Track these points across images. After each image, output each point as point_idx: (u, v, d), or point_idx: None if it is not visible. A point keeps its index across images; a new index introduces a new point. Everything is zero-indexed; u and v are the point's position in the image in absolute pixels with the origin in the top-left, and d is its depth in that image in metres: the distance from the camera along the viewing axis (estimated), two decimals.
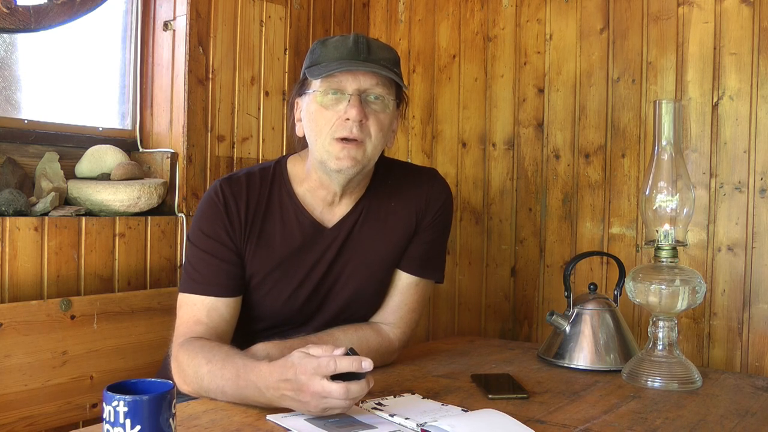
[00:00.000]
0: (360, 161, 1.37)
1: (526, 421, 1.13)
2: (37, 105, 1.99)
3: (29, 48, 1.97)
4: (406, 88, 1.46)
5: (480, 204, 2.44)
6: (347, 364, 1.08)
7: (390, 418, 1.15)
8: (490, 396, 1.31)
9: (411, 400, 1.26)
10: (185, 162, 2.11)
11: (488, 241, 2.43)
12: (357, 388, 1.09)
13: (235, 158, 2.25)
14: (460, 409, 1.22)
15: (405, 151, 2.62)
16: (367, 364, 1.09)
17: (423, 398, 1.28)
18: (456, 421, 1.11)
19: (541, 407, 1.27)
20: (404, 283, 1.54)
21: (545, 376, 1.50)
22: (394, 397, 1.28)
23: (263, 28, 2.32)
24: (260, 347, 1.36)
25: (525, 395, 1.32)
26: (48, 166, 1.92)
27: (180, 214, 2.09)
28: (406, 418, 1.14)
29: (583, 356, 1.57)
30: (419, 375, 1.49)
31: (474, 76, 2.46)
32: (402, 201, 1.52)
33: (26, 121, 1.94)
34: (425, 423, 1.12)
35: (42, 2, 1.83)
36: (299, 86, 1.45)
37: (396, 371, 1.50)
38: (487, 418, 1.14)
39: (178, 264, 2.08)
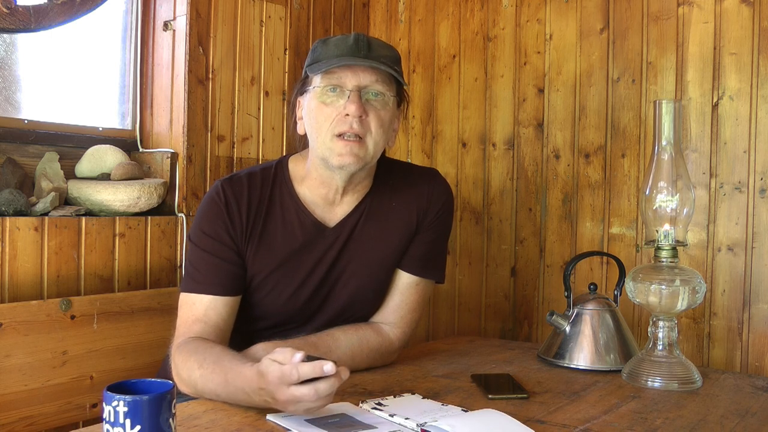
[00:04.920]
0: (362, 158, 1.37)
1: (526, 421, 1.13)
2: (37, 105, 1.99)
3: (29, 48, 1.97)
4: (407, 86, 1.46)
5: (480, 204, 2.44)
6: (309, 371, 1.06)
7: (390, 418, 1.15)
8: (490, 396, 1.31)
9: (411, 400, 1.26)
10: (185, 162, 2.11)
11: (488, 241, 2.42)
12: (325, 386, 1.07)
13: (235, 158, 2.25)
14: (460, 409, 1.22)
15: (405, 151, 2.62)
16: (329, 367, 1.06)
17: (423, 398, 1.28)
18: (456, 421, 1.10)
19: (541, 407, 1.27)
20: (405, 282, 1.54)
21: (545, 376, 1.50)
22: (394, 397, 1.27)
23: (263, 28, 2.32)
24: (260, 347, 1.35)
25: (525, 395, 1.32)
26: (48, 166, 1.92)
27: (180, 214, 2.09)
28: (406, 418, 1.14)
29: (583, 356, 1.57)
30: (419, 375, 1.49)
31: (474, 76, 2.46)
32: (403, 201, 1.52)
33: (26, 121, 1.94)
34: (425, 423, 1.12)
35: (42, 2, 1.83)
36: (300, 85, 1.45)
37: (396, 371, 1.50)
38: (487, 418, 1.14)
39: (178, 264, 2.08)
